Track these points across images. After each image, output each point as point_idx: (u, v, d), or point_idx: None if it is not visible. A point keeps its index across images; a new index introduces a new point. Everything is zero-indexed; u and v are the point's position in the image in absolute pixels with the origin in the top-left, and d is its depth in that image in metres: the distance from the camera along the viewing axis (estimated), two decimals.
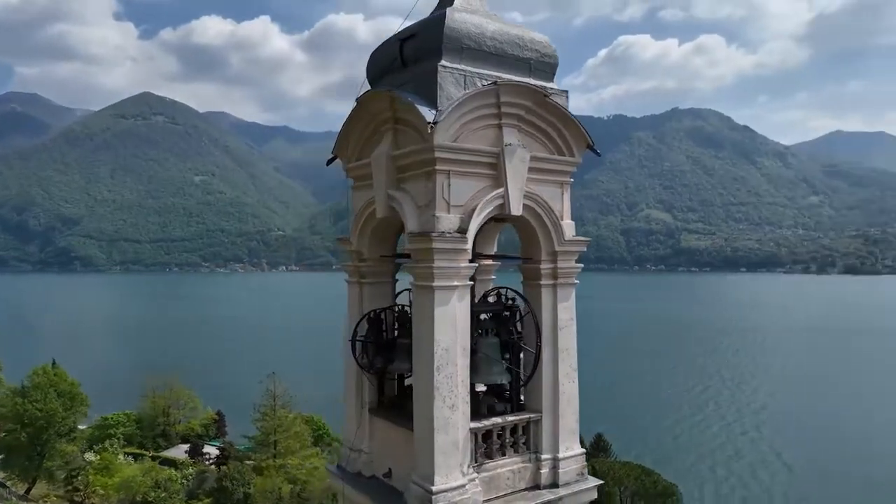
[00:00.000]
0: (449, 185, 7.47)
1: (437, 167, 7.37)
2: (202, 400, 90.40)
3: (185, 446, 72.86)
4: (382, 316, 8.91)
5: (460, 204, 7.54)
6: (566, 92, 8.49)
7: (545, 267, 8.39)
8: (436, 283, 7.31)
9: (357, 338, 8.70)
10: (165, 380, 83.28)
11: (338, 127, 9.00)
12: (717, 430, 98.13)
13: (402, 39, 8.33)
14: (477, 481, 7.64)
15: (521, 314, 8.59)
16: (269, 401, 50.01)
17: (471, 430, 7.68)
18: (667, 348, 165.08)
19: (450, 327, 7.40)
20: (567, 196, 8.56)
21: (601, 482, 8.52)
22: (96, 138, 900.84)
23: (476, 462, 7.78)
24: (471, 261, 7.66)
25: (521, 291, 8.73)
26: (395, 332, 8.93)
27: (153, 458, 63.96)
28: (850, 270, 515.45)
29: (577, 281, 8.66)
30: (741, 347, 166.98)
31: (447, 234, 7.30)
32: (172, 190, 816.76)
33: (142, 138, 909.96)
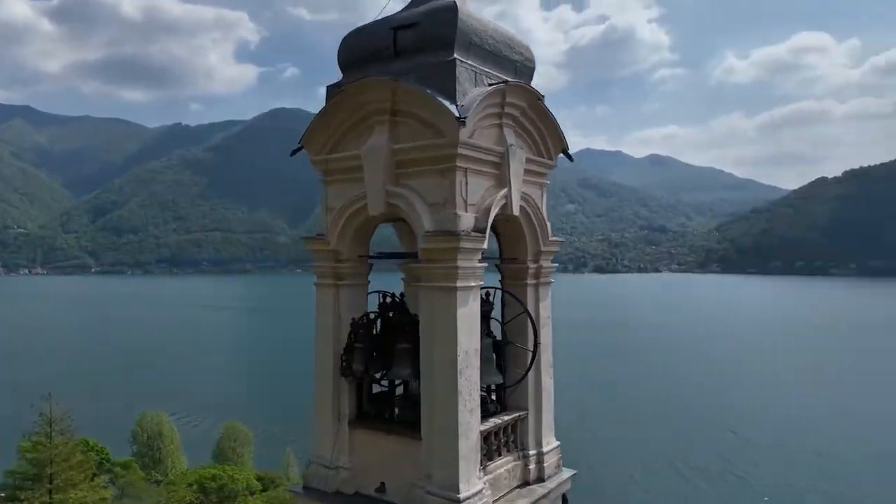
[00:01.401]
0: (466, 183, 7.27)
1: (458, 164, 7.13)
2: None
3: None
4: (370, 320, 8.29)
5: (473, 203, 7.38)
6: (543, 96, 8.75)
7: (531, 267, 8.59)
8: (459, 284, 7.06)
9: (354, 345, 7.97)
10: None
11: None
12: None
13: (396, 28, 7.87)
14: (487, 483, 7.54)
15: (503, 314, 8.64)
16: (45, 427, 42.33)
17: (479, 432, 7.56)
18: None
19: (469, 329, 7.21)
20: (545, 198, 8.86)
21: (575, 472, 8.93)
22: None
23: (481, 465, 7.67)
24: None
25: (500, 291, 8.76)
26: (384, 337, 8.33)
27: None
28: (599, 269, 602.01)
29: (553, 280, 8.99)
30: None
31: (471, 234, 7.11)
32: None
33: None
